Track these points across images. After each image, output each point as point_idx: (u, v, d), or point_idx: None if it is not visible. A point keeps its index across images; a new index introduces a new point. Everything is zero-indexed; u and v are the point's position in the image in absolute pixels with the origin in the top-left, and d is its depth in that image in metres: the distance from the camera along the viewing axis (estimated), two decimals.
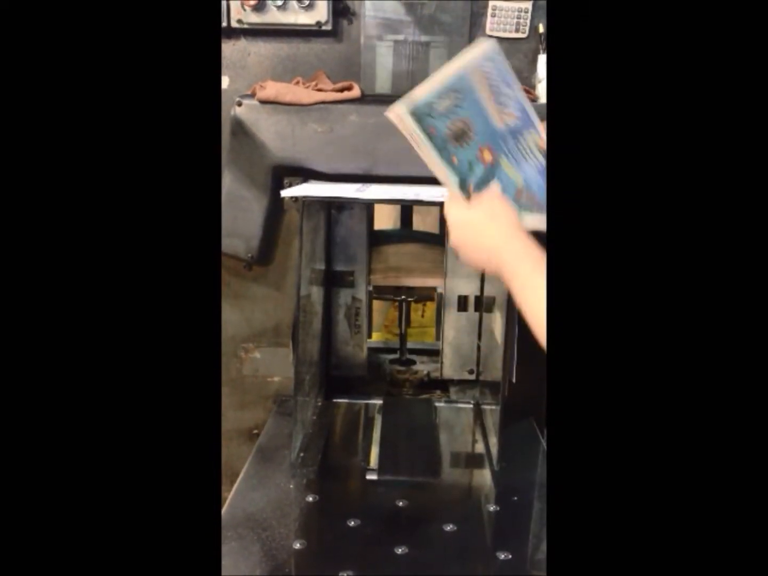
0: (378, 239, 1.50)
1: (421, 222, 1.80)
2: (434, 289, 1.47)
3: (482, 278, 1.41)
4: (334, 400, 1.42)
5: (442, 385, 1.49)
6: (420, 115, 0.68)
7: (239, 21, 1.23)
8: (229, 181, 1.23)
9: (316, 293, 1.32)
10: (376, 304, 1.65)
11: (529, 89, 1.17)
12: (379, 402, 1.41)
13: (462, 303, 1.44)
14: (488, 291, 1.40)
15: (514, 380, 1.11)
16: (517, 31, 1.18)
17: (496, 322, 1.29)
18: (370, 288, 1.45)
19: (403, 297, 1.51)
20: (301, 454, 1.17)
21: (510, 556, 0.89)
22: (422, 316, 2.18)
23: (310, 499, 1.03)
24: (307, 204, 1.11)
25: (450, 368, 1.48)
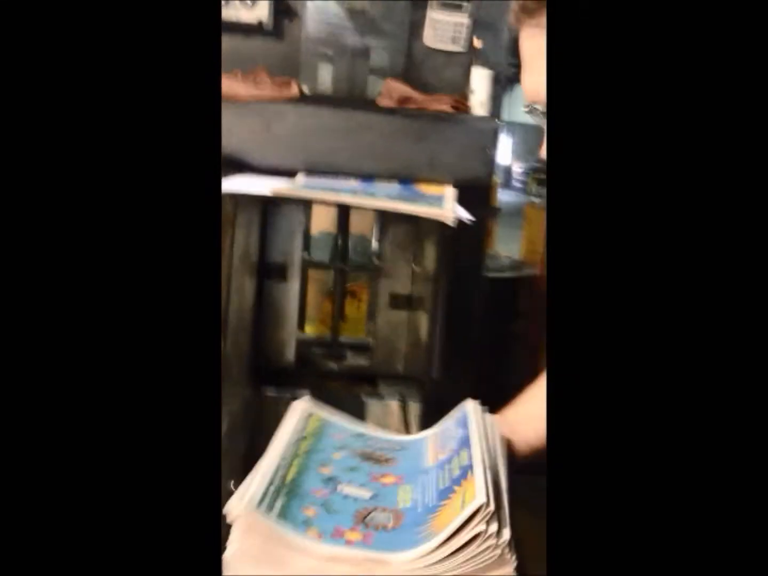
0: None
1: (360, 223, 1.82)
2: None
3: (412, 277, 1.46)
4: (265, 394, 1.43)
5: (371, 379, 1.53)
6: None
7: None
8: None
9: (249, 285, 1.33)
10: (310, 297, 1.67)
11: (462, 100, 1.22)
12: (306, 393, 1.43)
13: (394, 301, 1.48)
14: (418, 291, 1.45)
15: (434, 377, 1.16)
16: (454, 44, 1.22)
17: (423, 321, 1.33)
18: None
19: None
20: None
21: None
22: (358, 309, 2.20)
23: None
24: (240, 197, 1.13)
25: (379, 364, 1.52)
